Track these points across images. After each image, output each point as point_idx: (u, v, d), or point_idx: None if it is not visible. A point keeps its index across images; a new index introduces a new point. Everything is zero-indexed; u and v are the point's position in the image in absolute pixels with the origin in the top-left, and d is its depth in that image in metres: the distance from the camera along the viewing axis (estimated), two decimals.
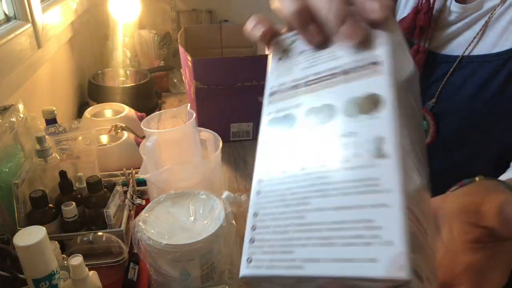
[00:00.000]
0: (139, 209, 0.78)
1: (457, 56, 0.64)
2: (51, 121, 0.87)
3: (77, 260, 0.49)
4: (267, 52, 0.36)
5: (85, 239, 0.66)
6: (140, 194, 0.84)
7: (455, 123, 0.66)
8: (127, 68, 1.51)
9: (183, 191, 0.69)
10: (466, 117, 0.64)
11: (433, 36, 0.68)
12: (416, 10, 0.67)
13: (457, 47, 0.65)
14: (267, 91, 0.30)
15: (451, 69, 0.64)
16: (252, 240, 0.25)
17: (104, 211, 0.68)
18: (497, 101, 0.59)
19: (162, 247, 0.58)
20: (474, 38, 0.62)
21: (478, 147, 0.64)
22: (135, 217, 0.70)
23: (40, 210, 0.67)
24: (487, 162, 0.64)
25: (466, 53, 0.63)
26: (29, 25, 0.94)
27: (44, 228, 0.47)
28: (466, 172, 0.65)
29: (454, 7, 0.65)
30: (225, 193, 0.83)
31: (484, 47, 0.61)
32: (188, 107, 0.81)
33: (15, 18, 0.94)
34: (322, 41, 0.28)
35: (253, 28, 0.34)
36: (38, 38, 0.97)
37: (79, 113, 1.35)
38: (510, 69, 0.58)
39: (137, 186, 0.85)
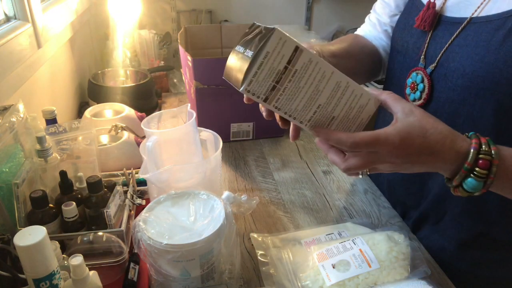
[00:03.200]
0: (139, 209, 0.78)
1: (464, 18, 0.65)
2: (51, 121, 0.87)
3: (77, 260, 0.49)
4: None
5: (85, 239, 0.66)
6: (140, 194, 0.84)
7: (450, 86, 0.66)
8: (127, 68, 1.51)
9: (183, 191, 0.69)
10: (462, 79, 0.64)
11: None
12: None
13: (465, 10, 0.66)
14: None
15: (457, 32, 0.65)
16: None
17: (104, 211, 0.68)
18: (493, 60, 0.60)
19: (162, 247, 0.58)
20: (484, 0, 0.63)
21: (472, 113, 0.64)
22: (135, 217, 0.70)
23: (40, 210, 0.67)
24: (482, 130, 0.63)
25: (475, 15, 0.64)
26: (29, 25, 0.94)
27: (44, 228, 0.47)
28: None
29: None
30: (225, 193, 0.83)
31: (487, 10, 0.62)
32: (188, 107, 0.81)
33: (15, 18, 0.94)
34: None
35: None
36: (38, 38, 0.97)
37: (79, 113, 1.35)
38: (506, 29, 0.58)
39: (137, 186, 0.85)
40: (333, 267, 0.66)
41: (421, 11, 0.72)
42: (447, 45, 0.67)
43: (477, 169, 0.49)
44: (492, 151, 0.49)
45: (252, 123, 1.19)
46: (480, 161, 0.49)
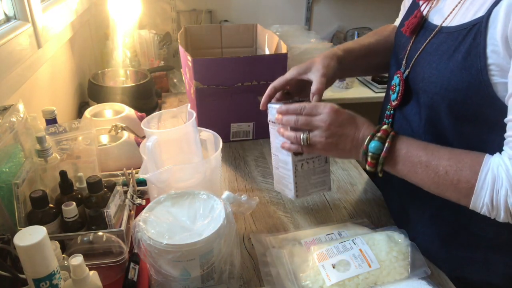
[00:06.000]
0: (139, 209, 0.78)
1: (436, 26, 0.68)
2: (51, 121, 0.87)
3: (77, 260, 0.49)
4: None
5: (85, 239, 0.66)
6: (140, 194, 0.84)
7: (415, 89, 0.70)
8: (127, 68, 1.51)
9: (183, 191, 0.69)
10: (422, 82, 0.67)
11: (433, 5, 0.72)
12: None
13: (441, 17, 0.68)
14: None
15: (428, 38, 0.68)
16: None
17: (105, 211, 0.68)
18: (442, 68, 0.63)
19: (163, 247, 0.58)
20: (453, 9, 0.65)
21: (430, 116, 0.68)
22: (135, 217, 0.70)
23: (40, 210, 0.67)
24: (441, 130, 0.68)
25: (445, 24, 0.66)
26: (29, 25, 0.94)
27: (44, 228, 0.47)
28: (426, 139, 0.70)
29: None
30: (225, 193, 0.83)
31: (454, 21, 0.65)
32: (188, 107, 0.81)
33: (15, 18, 0.94)
34: None
35: None
36: (38, 38, 0.97)
37: (79, 113, 1.35)
38: (457, 42, 0.61)
39: (137, 186, 0.85)
40: (333, 267, 0.66)
41: (411, 16, 0.74)
42: (419, 51, 0.69)
43: (378, 134, 0.66)
44: (392, 132, 0.66)
45: (252, 123, 1.19)
46: (382, 131, 0.66)
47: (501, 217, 0.58)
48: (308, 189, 0.82)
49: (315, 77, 0.76)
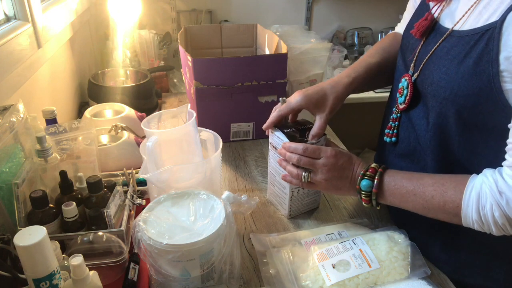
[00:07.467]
0: (139, 209, 0.78)
1: (447, 29, 0.67)
2: (51, 121, 0.87)
3: (77, 260, 0.49)
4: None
5: (85, 239, 0.66)
6: (140, 194, 0.84)
7: (424, 93, 0.69)
8: (127, 68, 1.51)
9: (183, 191, 0.69)
10: (430, 87, 0.67)
11: (444, 7, 0.71)
12: None
13: (452, 21, 0.67)
14: None
15: (439, 42, 0.67)
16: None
17: (105, 211, 0.68)
18: (453, 73, 0.62)
19: (163, 247, 0.58)
20: (466, 13, 0.64)
21: (438, 120, 0.67)
22: (135, 217, 0.70)
23: (40, 210, 0.67)
24: (448, 135, 0.67)
25: (456, 27, 0.65)
26: (29, 25, 0.94)
27: (44, 228, 0.47)
28: (423, 145, 0.72)
29: None
30: (225, 193, 0.83)
31: (466, 25, 0.64)
32: (188, 107, 0.81)
33: (15, 18, 0.94)
34: None
35: None
36: (38, 38, 0.97)
37: (79, 113, 1.35)
38: (469, 46, 0.60)
39: (137, 186, 0.85)
40: (333, 267, 0.66)
41: (421, 18, 0.72)
42: (429, 54, 0.68)
43: (368, 173, 0.71)
44: (379, 169, 0.71)
45: (252, 123, 1.19)
46: (370, 169, 0.72)
47: (494, 232, 0.60)
48: (300, 208, 0.88)
49: (318, 120, 0.79)
